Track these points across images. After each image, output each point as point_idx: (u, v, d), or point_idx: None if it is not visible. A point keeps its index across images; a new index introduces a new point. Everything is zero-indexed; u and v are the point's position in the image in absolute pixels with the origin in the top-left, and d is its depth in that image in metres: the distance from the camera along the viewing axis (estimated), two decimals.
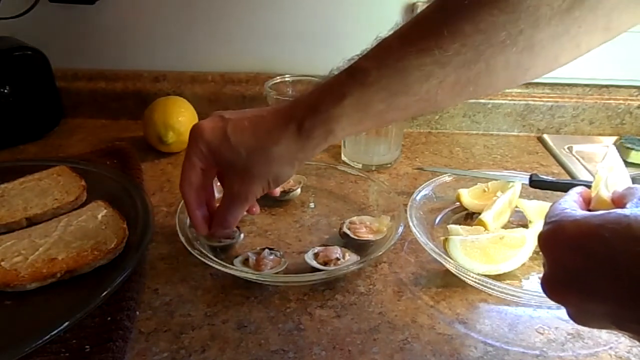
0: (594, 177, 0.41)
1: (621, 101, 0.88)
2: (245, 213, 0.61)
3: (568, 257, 0.29)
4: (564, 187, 0.36)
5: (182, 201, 0.58)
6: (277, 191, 0.61)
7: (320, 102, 0.43)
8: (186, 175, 0.49)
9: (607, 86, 0.88)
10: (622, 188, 0.34)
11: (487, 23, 0.38)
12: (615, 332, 0.47)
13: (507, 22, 0.37)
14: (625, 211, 0.28)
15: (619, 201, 0.33)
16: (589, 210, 0.33)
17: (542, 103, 0.88)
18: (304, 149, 0.45)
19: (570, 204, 0.33)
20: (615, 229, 0.27)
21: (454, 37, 0.38)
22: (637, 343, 0.46)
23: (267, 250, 0.54)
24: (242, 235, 0.58)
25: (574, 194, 0.35)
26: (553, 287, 0.31)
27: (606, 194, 0.34)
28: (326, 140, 0.44)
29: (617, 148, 0.82)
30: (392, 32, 0.43)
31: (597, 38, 0.40)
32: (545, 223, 0.32)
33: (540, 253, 0.32)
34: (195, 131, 0.48)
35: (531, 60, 0.40)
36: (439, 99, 0.42)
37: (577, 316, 0.31)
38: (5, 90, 0.76)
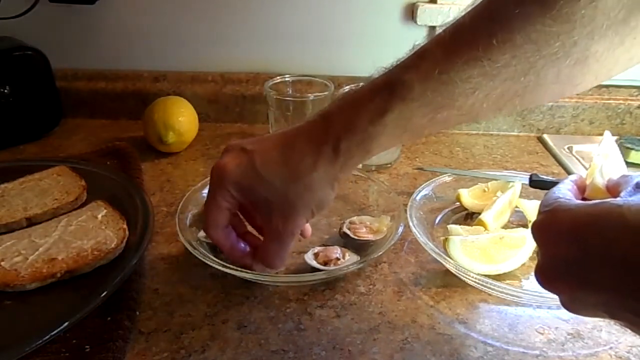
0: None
1: (621, 101, 0.88)
2: None
3: (562, 247, 0.29)
4: None
5: (182, 201, 0.58)
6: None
7: (357, 120, 0.40)
8: (213, 218, 0.46)
9: (607, 86, 0.88)
10: (617, 176, 0.33)
11: (539, 33, 0.35)
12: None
13: (561, 33, 0.35)
14: (619, 201, 0.28)
15: (613, 189, 0.33)
16: (584, 199, 0.33)
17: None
18: (343, 169, 0.42)
19: (564, 193, 0.32)
20: (609, 219, 0.27)
21: (504, 47, 0.36)
22: (637, 343, 0.46)
23: None
24: None
25: (568, 182, 0.35)
26: (547, 276, 0.31)
27: (601, 182, 0.34)
28: (363, 159, 0.42)
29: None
30: (428, 41, 0.39)
31: None
32: (539, 212, 0.32)
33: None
34: (218, 171, 0.44)
35: (583, 74, 0.38)
36: (481, 112, 0.39)
37: (571, 305, 0.31)
38: (5, 90, 0.76)
